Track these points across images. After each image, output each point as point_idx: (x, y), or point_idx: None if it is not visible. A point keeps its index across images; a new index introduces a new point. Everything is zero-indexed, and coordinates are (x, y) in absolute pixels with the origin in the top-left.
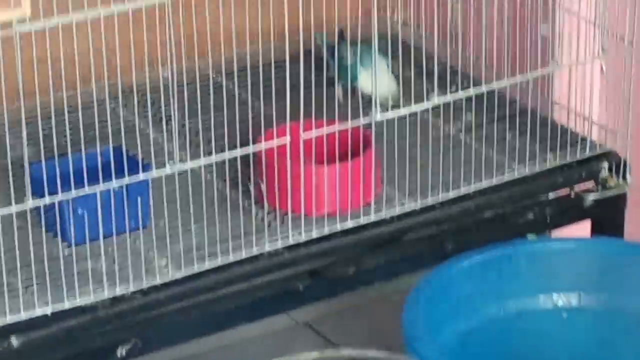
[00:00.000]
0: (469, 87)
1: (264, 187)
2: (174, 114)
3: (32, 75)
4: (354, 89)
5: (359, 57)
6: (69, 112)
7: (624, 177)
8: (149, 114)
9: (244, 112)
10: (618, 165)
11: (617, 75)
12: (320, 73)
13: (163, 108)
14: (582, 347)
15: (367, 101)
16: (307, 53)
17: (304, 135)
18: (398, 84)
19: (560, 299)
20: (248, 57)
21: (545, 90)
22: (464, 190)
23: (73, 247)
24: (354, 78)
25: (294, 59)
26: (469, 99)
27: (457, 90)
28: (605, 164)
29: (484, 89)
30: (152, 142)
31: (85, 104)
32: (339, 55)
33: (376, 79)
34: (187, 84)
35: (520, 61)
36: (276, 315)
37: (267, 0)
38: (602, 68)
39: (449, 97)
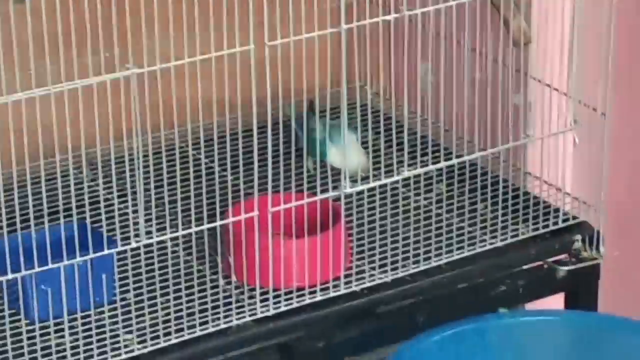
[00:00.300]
0: (440, 158)
1: (231, 260)
2: (140, 187)
3: None
4: (323, 163)
5: (328, 132)
6: (32, 184)
7: (598, 249)
8: (114, 186)
9: (212, 184)
10: (591, 237)
11: (591, 145)
12: (289, 144)
13: (128, 180)
14: None
15: (337, 173)
16: (275, 123)
17: (272, 209)
18: (368, 156)
19: None
20: (215, 127)
21: (517, 160)
22: (435, 262)
23: (37, 324)
24: (324, 154)
25: (262, 130)
26: (440, 170)
27: (427, 163)
28: (579, 236)
29: (455, 161)
30: (117, 215)
31: (48, 177)
32: (308, 128)
33: (346, 154)
34: (154, 155)
35: (492, 131)
36: None
37: (234, 70)
38: (574, 140)
39: (420, 170)
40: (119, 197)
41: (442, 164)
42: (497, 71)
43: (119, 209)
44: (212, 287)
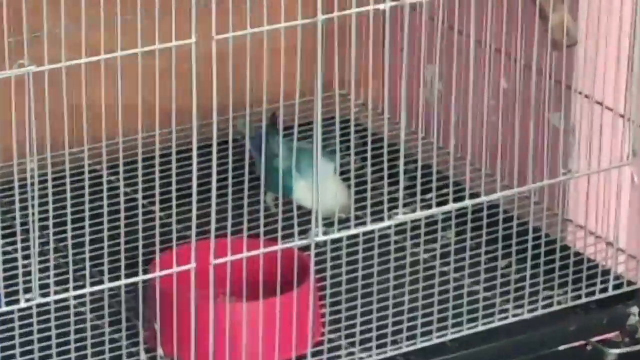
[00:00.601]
0: (448, 197)
1: (157, 327)
2: (34, 224)
3: None
4: (288, 199)
5: (295, 158)
6: None
7: None
8: None
9: (134, 222)
10: None
11: None
12: (241, 171)
13: (18, 215)
14: None
15: (306, 213)
16: (224, 142)
17: (215, 260)
18: (349, 192)
19: None
20: (140, 145)
21: (554, 203)
22: (437, 338)
23: None
24: (288, 189)
25: (205, 151)
26: (448, 214)
27: (431, 203)
28: (635, 308)
29: (468, 202)
30: (1, 263)
31: None
32: (267, 152)
33: (318, 191)
34: (54, 180)
35: (520, 163)
36: None
37: (166, 71)
38: (632, 178)
39: (420, 214)
40: (5, 238)
41: (451, 206)
42: (530, 81)
43: (5, 254)
44: None
